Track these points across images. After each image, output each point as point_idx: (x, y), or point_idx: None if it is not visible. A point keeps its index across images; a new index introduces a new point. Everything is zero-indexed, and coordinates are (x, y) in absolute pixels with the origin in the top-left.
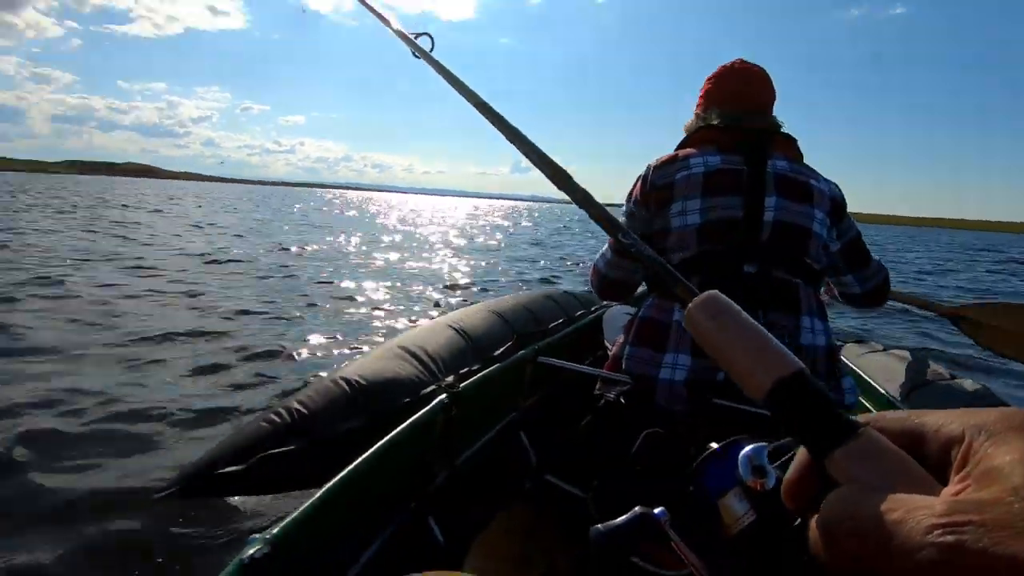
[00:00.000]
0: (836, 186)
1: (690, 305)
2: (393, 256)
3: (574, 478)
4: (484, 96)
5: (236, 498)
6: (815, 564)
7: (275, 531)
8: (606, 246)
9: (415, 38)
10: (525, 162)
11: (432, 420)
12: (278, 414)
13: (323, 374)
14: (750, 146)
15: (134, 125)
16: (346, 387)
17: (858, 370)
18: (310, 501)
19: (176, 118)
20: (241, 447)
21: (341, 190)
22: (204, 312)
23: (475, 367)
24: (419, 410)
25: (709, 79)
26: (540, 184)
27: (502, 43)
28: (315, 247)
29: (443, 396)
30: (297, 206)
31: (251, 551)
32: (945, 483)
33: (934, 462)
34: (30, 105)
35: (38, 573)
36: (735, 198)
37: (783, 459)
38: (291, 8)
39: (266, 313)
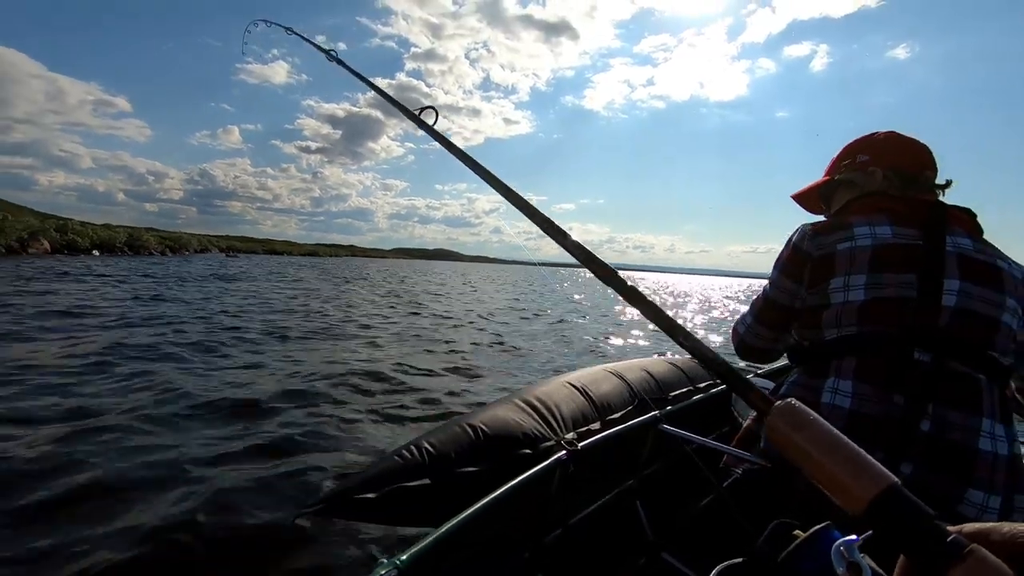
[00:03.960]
0: None
1: (770, 415)
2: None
3: (692, 560)
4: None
5: (367, 524)
6: None
7: (403, 557)
8: (748, 310)
9: (419, 112)
10: None
11: (550, 475)
12: (409, 451)
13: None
14: (927, 219)
15: (443, 218)
16: (471, 433)
17: None
18: (436, 535)
19: (473, 211)
20: (377, 477)
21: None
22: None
23: (595, 426)
24: (537, 462)
25: (871, 139)
26: None
27: (779, 116)
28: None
29: (562, 453)
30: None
31: (382, 572)
32: None
33: None
34: (377, 207)
35: (182, 557)
36: (908, 275)
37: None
38: (570, 112)
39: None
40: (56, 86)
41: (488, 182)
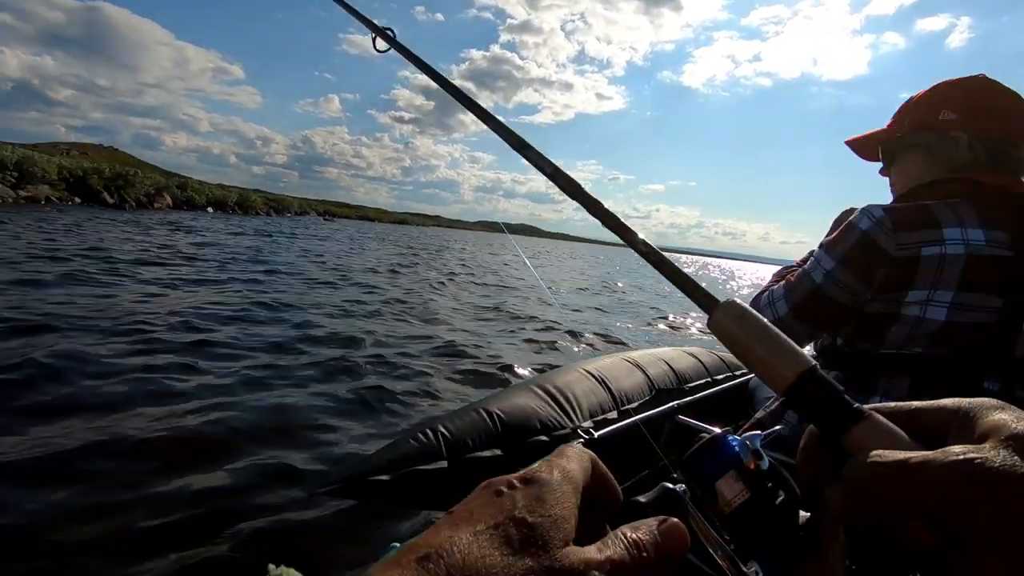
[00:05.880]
0: None
1: (716, 312)
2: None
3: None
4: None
5: (380, 506)
6: (798, 531)
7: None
8: (779, 292)
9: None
10: None
11: None
12: (425, 434)
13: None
14: (1015, 218)
15: (527, 194)
16: (487, 418)
17: None
18: None
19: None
20: (391, 460)
21: (687, 255)
22: None
23: (611, 416)
24: (552, 448)
25: (966, 88)
26: None
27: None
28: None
29: (578, 442)
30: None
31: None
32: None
33: (927, 433)
34: (464, 179)
35: (202, 536)
36: (996, 299)
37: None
38: (666, 88)
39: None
40: (182, 54)
41: (465, 105)
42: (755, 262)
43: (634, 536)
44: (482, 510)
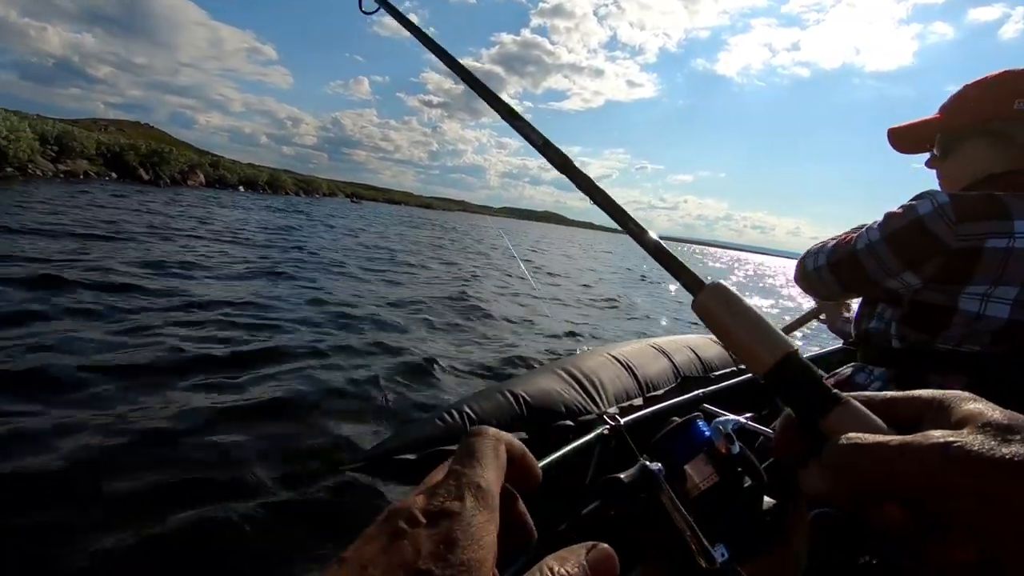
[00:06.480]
0: None
1: (701, 294)
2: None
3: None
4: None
5: (405, 485)
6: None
7: None
8: (827, 248)
9: None
10: None
11: (591, 447)
12: (451, 414)
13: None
14: None
15: (552, 181)
16: (513, 401)
17: None
18: None
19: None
20: (418, 439)
21: (713, 248)
22: None
23: (637, 402)
24: (578, 434)
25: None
26: None
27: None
28: None
29: (604, 427)
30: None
31: None
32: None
33: (903, 423)
34: (490, 165)
35: (235, 512)
36: None
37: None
38: (699, 77)
39: None
40: (217, 34)
41: (447, 63)
42: (783, 257)
43: (562, 571)
44: (377, 559)
